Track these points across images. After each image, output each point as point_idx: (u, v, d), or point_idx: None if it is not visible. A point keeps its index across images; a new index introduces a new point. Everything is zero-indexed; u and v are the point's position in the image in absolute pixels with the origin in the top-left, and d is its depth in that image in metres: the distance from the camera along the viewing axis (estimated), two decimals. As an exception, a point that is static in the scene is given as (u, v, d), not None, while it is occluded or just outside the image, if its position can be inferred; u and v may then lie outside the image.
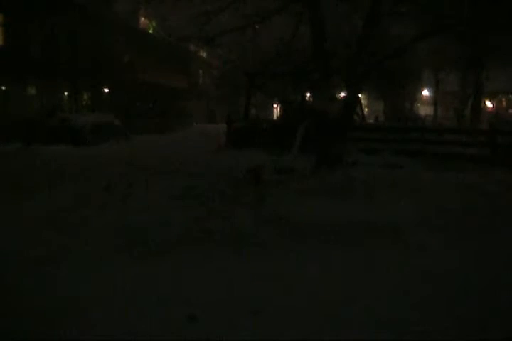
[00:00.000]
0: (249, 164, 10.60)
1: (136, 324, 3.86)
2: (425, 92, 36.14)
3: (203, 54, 39.41)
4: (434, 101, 34.33)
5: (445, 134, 16.63)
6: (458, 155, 13.38)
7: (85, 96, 28.22)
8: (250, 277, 4.81)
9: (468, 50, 22.70)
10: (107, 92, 30.19)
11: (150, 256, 5.36)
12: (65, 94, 26.37)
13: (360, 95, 19.86)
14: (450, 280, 4.80)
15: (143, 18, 33.31)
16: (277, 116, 35.79)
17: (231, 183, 9.44)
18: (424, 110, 39.21)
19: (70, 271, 4.94)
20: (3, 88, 21.83)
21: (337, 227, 6.45)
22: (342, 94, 20.20)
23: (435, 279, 4.82)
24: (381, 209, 7.50)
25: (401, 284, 4.68)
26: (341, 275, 4.95)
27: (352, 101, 12.86)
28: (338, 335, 3.73)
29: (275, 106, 39.17)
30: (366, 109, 33.06)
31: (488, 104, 36.73)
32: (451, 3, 11.94)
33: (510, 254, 5.68)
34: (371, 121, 29.05)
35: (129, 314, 4.01)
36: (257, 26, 14.83)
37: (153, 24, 32.32)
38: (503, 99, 40.25)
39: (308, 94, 20.86)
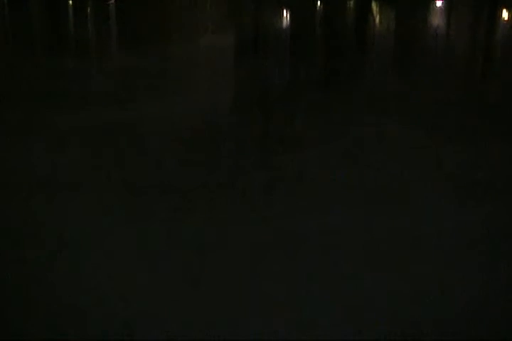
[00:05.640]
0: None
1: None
2: (438, 3, 34.68)
3: None
4: (448, 10, 32.88)
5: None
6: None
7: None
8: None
9: None
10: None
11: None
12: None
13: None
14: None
15: None
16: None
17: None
18: (436, 20, 37.75)
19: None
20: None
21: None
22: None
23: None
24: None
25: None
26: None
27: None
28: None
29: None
30: (378, 16, 31.77)
31: (505, 14, 35.15)
32: None
33: None
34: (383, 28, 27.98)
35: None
36: None
37: None
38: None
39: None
